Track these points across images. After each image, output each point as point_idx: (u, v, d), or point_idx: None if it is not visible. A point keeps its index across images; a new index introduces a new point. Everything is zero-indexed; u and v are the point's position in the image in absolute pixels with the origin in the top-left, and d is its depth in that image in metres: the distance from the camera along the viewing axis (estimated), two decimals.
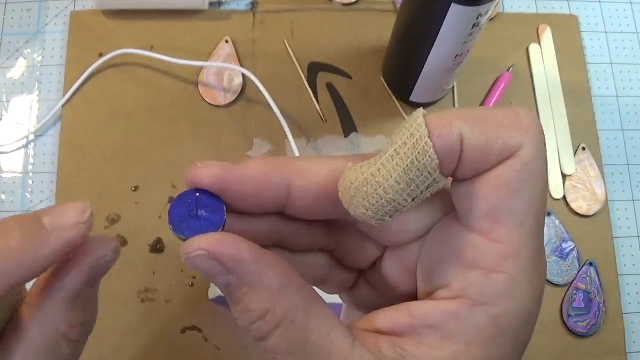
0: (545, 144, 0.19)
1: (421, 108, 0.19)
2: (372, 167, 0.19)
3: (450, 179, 0.20)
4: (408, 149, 0.18)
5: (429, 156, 0.18)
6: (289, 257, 0.24)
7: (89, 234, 0.20)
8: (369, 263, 0.24)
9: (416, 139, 0.18)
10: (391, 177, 0.18)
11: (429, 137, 0.18)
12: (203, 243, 0.18)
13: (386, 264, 0.23)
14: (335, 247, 0.24)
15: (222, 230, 0.20)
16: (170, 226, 0.20)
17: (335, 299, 0.27)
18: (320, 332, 0.19)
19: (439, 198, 0.21)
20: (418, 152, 0.18)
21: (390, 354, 0.19)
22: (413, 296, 0.22)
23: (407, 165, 0.18)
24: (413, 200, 0.19)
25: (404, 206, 0.19)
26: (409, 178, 0.18)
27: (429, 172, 0.18)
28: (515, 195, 0.18)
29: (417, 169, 0.18)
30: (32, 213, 0.20)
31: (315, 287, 0.25)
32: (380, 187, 0.19)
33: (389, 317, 0.20)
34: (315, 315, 0.19)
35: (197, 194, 0.20)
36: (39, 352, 0.20)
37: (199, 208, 0.20)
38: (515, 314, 0.19)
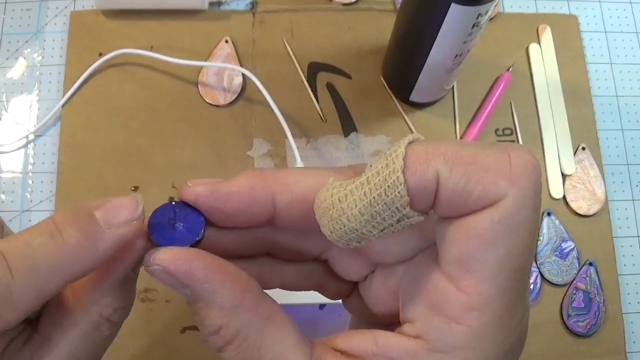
0: (539, 194, 0.18)
1: (411, 136, 0.18)
2: (342, 191, 0.18)
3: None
4: (379, 180, 0.17)
5: (399, 192, 0.17)
6: (281, 266, 0.24)
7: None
8: (360, 277, 0.24)
9: (389, 172, 0.17)
10: (356, 206, 0.18)
11: (402, 171, 0.17)
12: (159, 258, 0.19)
13: (375, 281, 0.23)
14: (328, 258, 0.24)
15: (199, 244, 0.21)
16: (148, 228, 0.21)
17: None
18: (274, 351, 0.19)
19: (426, 225, 0.20)
20: (388, 186, 0.17)
21: None
22: (396, 316, 0.22)
23: (374, 197, 0.17)
24: (381, 231, 0.18)
25: (371, 236, 0.18)
26: (375, 211, 0.17)
27: (397, 208, 0.17)
28: (489, 248, 0.17)
29: (385, 203, 0.17)
30: (85, 207, 0.20)
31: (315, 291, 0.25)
32: (344, 214, 0.18)
33: (355, 341, 0.20)
34: (270, 335, 0.19)
35: (179, 209, 0.21)
36: (82, 335, 0.21)
37: (178, 220, 0.20)
38: None
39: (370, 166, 0.18)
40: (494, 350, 0.18)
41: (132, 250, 0.21)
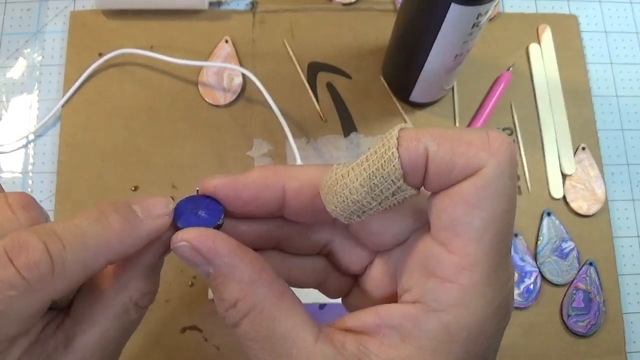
0: (514, 165, 0.20)
1: (403, 124, 0.21)
2: (345, 169, 0.21)
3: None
4: (377, 157, 0.20)
5: (393, 165, 0.19)
6: (287, 260, 0.26)
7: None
8: (361, 268, 0.25)
9: (385, 149, 0.20)
10: (357, 180, 0.20)
11: (396, 148, 0.19)
12: (186, 235, 0.21)
13: (375, 269, 0.25)
14: (331, 252, 0.26)
15: (219, 228, 0.23)
16: (174, 217, 0.23)
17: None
18: (286, 325, 0.21)
19: (420, 207, 0.23)
20: (384, 161, 0.20)
21: (353, 350, 0.20)
22: (395, 301, 0.23)
23: (372, 171, 0.20)
24: (379, 204, 0.21)
25: (370, 208, 0.21)
26: (373, 183, 0.20)
27: (392, 180, 0.20)
28: (474, 212, 0.19)
29: (382, 176, 0.20)
30: (124, 201, 0.22)
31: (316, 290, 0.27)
32: (346, 188, 0.20)
33: (359, 317, 0.22)
34: (283, 310, 0.21)
35: (201, 200, 0.23)
36: (112, 317, 0.22)
37: (201, 209, 0.23)
38: (467, 324, 0.20)
39: (369, 148, 0.21)
40: (484, 306, 0.20)
41: (160, 239, 0.23)
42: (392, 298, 0.24)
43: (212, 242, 0.21)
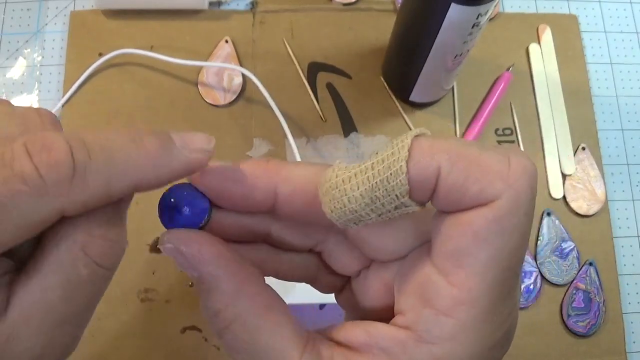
0: (533, 199, 0.18)
1: (421, 129, 0.19)
2: (346, 173, 0.19)
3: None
4: (383, 167, 0.18)
5: (400, 180, 0.18)
6: (277, 254, 0.24)
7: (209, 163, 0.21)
8: (353, 271, 0.24)
9: (393, 160, 0.18)
10: (358, 189, 0.19)
11: (406, 161, 0.18)
12: (172, 238, 0.20)
13: (370, 276, 0.24)
14: (323, 251, 0.25)
15: (204, 226, 0.22)
16: (158, 214, 0.22)
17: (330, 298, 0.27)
18: (270, 339, 0.20)
19: (424, 223, 0.21)
20: (390, 174, 0.18)
21: None
22: (390, 311, 0.22)
23: (376, 182, 0.18)
24: (379, 216, 0.19)
25: (369, 219, 0.19)
26: (375, 195, 0.18)
27: (396, 195, 0.18)
28: (481, 245, 0.18)
29: (385, 189, 0.18)
30: (162, 131, 0.20)
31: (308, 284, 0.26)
32: (345, 195, 0.19)
33: (349, 331, 0.21)
34: (267, 323, 0.20)
35: (187, 192, 0.22)
36: (55, 270, 0.18)
37: (185, 205, 0.21)
38: (459, 359, 0.19)
39: (376, 153, 0.19)
40: (478, 344, 0.19)
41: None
42: (385, 309, 0.23)
43: (198, 249, 0.20)
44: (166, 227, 0.22)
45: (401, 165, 0.18)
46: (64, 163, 0.17)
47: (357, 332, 0.20)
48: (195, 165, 0.20)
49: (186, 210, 0.21)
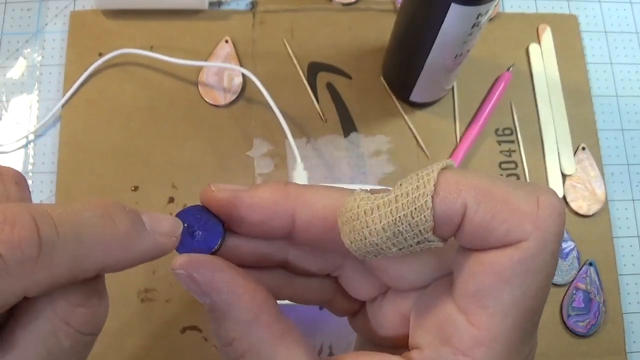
0: (560, 238, 0.18)
1: (448, 161, 0.19)
2: (369, 204, 0.18)
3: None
4: (407, 201, 0.18)
5: (424, 216, 0.17)
6: (293, 279, 0.24)
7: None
8: (369, 297, 0.24)
9: (419, 195, 0.17)
10: (380, 222, 0.18)
11: (431, 197, 0.17)
12: (184, 263, 0.19)
13: (386, 303, 0.23)
14: (340, 275, 0.24)
15: (217, 250, 0.21)
16: None
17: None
18: None
19: (445, 255, 0.21)
20: (415, 208, 0.17)
21: None
22: (402, 341, 0.22)
23: (399, 217, 0.18)
24: (400, 250, 0.18)
25: (389, 252, 0.19)
26: (398, 230, 0.18)
27: (420, 231, 0.18)
28: (505, 286, 0.18)
29: (409, 224, 0.18)
30: (131, 209, 0.19)
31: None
32: (367, 227, 0.18)
33: None
34: (282, 353, 0.19)
35: (200, 215, 0.21)
36: (35, 341, 0.17)
37: (198, 228, 0.21)
38: None
39: (401, 185, 0.18)
40: None
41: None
42: (399, 338, 0.22)
43: (211, 276, 0.19)
44: (178, 252, 0.21)
45: (426, 201, 0.17)
46: (29, 242, 0.15)
47: None
48: (162, 250, 0.19)
49: (199, 234, 0.21)
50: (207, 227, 0.21)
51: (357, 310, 0.25)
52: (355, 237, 0.19)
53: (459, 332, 0.18)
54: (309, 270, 0.23)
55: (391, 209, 0.18)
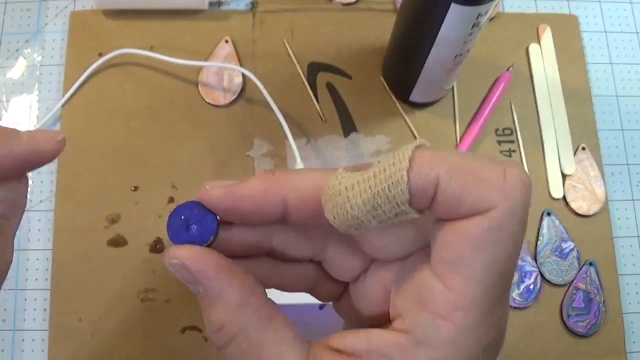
0: (526, 210, 0.19)
1: (422, 140, 0.20)
2: (349, 180, 0.20)
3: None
4: (385, 176, 0.19)
5: (401, 189, 0.19)
6: (278, 266, 0.25)
7: (57, 155, 0.24)
8: (353, 276, 0.25)
9: (395, 170, 0.19)
10: (360, 196, 0.19)
11: (407, 171, 0.18)
12: (178, 254, 0.21)
13: (369, 277, 0.24)
14: (323, 259, 0.25)
15: (211, 244, 0.22)
16: (167, 230, 0.22)
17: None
18: (273, 350, 0.21)
19: (423, 227, 0.22)
20: (392, 182, 0.19)
21: None
22: (387, 318, 0.23)
23: (378, 191, 0.19)
24: (380, 222, 0.20)
25: (369, 225, 0.20)
26: (376, 203, 0.19)
27: (397, 203, 0.19)
28: (477, 253, 0.19)
29: (386, 197, 0.19)
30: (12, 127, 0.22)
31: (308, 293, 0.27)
32: (348, 202, 0.20)
33: (350, 339, 0.21)
34: (270, 335, 0.21)
35: (197, 210, 0.23)
36: None
37: (193, 222, 0.22)
38: None
39: (379, 162, 0.20)
40: (474, 345, 0.19)
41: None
42: (383, 316, 0.23)
43: (203, 264, 0.21)
44: (174, 243, 0.22)
45: (402, 175, 0.18)
46: None
47: (358, 339, 0.21)
48: (42, 152, 0.23)
49: (194, 227, 0.22)
50: (203, 222, 0.22)
51: (340, 293, 0.26)
52: (338, 212, 0.20)
53: (436, 297, 0.20)
54: (294, 255, 0.25)
55: (370, 184, 0.19)
